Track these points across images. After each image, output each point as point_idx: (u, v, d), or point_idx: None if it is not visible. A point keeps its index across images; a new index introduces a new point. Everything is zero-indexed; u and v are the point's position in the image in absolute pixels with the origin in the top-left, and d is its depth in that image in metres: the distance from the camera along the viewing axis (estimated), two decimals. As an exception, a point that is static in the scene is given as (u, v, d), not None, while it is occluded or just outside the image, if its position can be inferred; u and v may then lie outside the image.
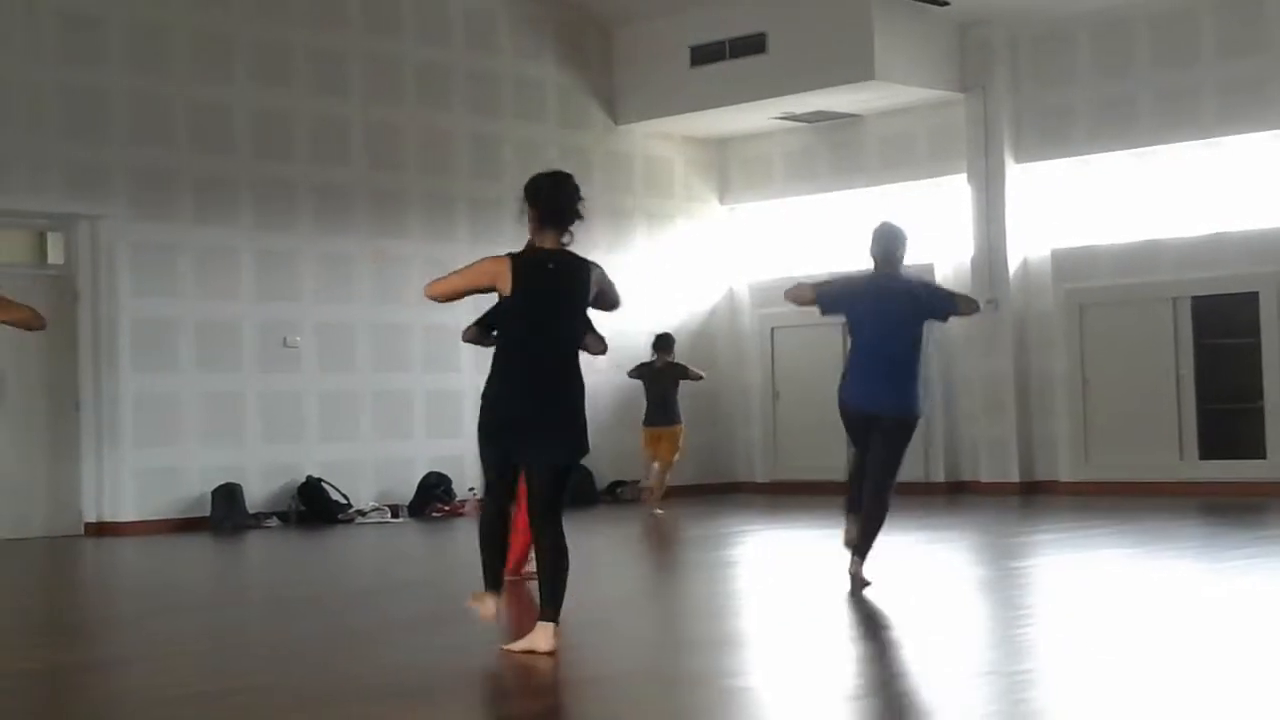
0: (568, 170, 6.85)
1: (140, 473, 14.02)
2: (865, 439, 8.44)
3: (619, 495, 16.80)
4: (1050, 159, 16.27)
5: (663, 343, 14.78)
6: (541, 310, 6.55)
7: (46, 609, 9.37)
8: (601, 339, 6.95)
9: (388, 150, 15.77)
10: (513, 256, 6.57)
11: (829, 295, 8.62)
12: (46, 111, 13.72)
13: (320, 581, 10.42)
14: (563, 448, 6.57)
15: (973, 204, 16.52)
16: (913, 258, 18.60)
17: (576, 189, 6.66)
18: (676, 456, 14.78)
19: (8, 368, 13.70)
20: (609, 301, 6.77)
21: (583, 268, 6.63)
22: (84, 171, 13.87)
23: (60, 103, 13.78)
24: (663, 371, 14.68)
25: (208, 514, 14.10)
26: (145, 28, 14.28)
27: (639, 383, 14.83)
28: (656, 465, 14.77)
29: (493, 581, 6.70)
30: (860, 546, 8.37)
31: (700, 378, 14.97)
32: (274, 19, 15.04)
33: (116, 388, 13.88)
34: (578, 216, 6.64)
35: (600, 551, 11.46)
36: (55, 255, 14.30)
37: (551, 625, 6.42)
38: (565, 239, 6.63)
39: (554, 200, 6.62)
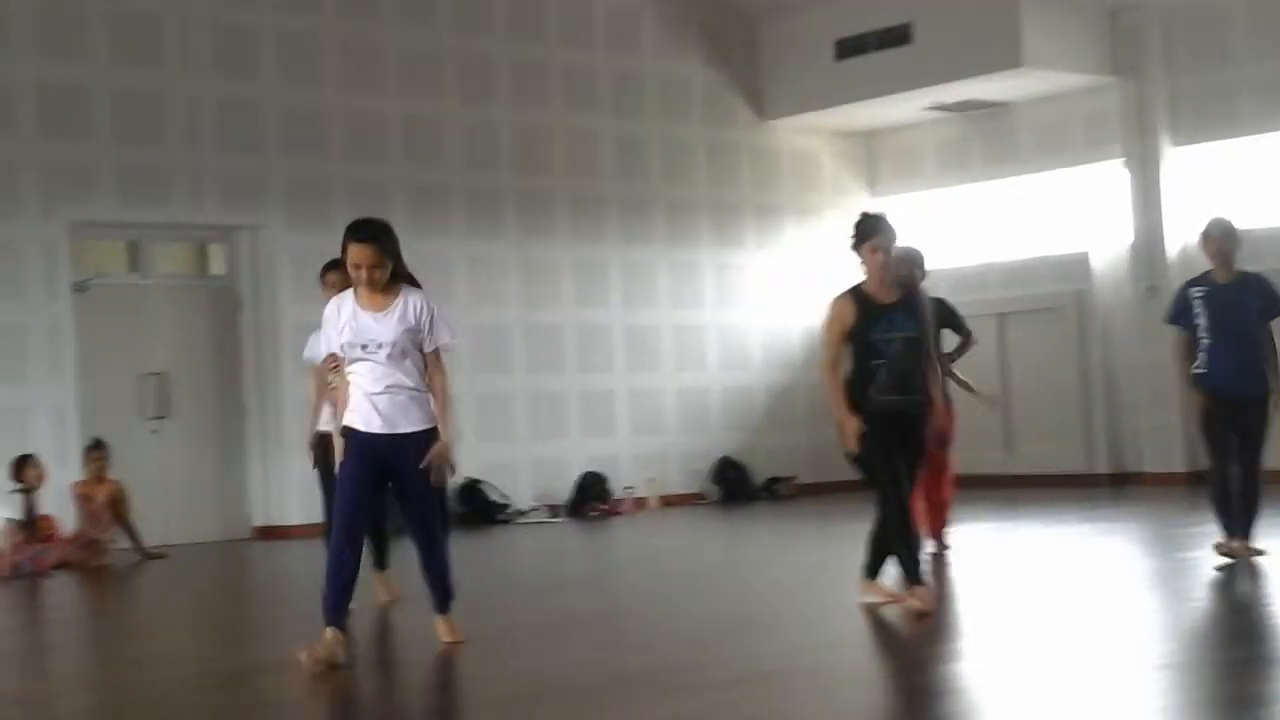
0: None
1: (305, 476, 14.25)
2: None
3: (775, 491, 16.77)
4: (1209, 141, 15.87)
5: None
6: None
7: (228, 611, 9.62)
8: None
9: (534, 153, 15.90)
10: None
11: None
12: (203, 126, 14.04)
13: (492, 579, 10.52)
14: None
15: (1130, 190, 16.19)
16: (1070, 245, 18.12)
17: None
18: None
19: (177, 378, 14.06)
20: None
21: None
22: (241, 184, 14.18)
23: (216, 116, 14.09)
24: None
25: (369, 517, 14.30)
26: (296, 39, 14.55)
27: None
28: None
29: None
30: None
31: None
32: (421, 26, 15.24)
33: (280, 393, 14.14)
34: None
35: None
36: (217, 266, 14.64)
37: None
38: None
39: None
